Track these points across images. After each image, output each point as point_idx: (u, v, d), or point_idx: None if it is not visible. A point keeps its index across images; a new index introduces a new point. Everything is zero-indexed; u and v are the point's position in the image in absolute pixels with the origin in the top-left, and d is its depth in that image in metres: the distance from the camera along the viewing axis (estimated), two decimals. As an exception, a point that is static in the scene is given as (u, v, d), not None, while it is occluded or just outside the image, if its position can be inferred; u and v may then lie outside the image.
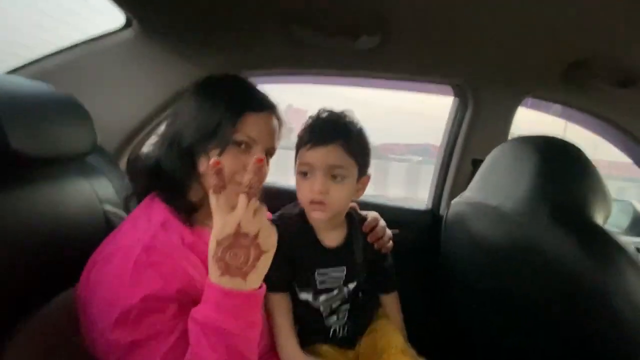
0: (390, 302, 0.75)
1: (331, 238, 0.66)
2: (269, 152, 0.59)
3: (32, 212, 0.54)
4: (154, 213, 0.53)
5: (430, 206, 1.22)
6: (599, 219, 0.58)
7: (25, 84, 0.54)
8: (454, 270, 0.86)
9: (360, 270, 0.68)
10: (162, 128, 0.60)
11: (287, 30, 0.78)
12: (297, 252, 0.63)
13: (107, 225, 0.67)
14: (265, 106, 0.57)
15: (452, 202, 0.91)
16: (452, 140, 1.12)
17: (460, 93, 1.07)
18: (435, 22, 0.73)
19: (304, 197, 0.60)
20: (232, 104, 0.54)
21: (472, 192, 0.83)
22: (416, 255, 1.10)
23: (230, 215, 0.43)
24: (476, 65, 0.94)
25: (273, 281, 0.52)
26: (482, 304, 0.74)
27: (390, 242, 0.74)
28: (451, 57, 0.91)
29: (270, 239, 0.45)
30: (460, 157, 1.10)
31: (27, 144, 0.48)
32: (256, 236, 0.43)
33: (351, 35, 0.78)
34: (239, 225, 0.42)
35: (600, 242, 0.52)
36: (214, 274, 0.43)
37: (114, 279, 0.45)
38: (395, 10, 0.70)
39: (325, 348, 0.66)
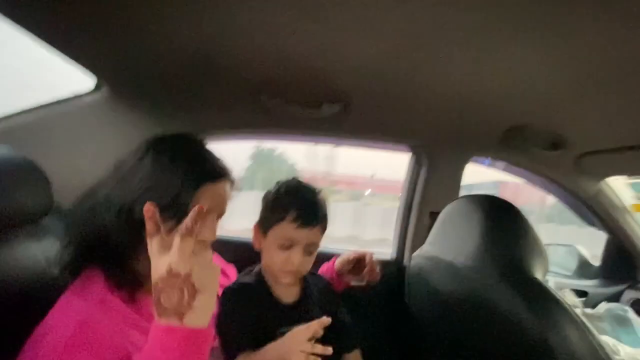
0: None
1: (288, 295, 0.68)
2: (220, 216, 0.58)
3: None
4: (90, 290, 0.50)
5: (394, 256, 1.25)
6: (538, 274, 0.63)
7: None
8: (418, 320, 0.88)
9: None
10: (102, 188, 0.55)
11: (257, 99, 0.84)
12: (258, 313, 0.63)
13: (55, 292, 0.63)
14: (221, 174, 0.56)
15: (413, 255, 0.95)
16: (411, 193, 1.20)
17: (415, 152, 1.18)
18: (389, 94, 0.83)
19: (278, 266, 0.64)
20: (190, 175, 0.52)
21: (429, 246, 0.88)
22: (382, 305, 1.11)
23: (162, 257, 0.43)
24: (427, 129, 1.05)
25: (237, 342, 0.58)
26: (444, 354, 0.75)
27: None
28: (405, 122, 1.01)
29: (206, 278, 0.44)
30: (419, 209, 1.17)
31: None
32: (188, 275, 0.42)
33: (314, 104, 0.85)
34: (169, 265, 0.42)
35: (542, 299, 0.57)
36: (156, 317, 0.43)
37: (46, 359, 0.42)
38: (353, 84, 0.79)
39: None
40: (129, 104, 0.82)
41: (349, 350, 0.75)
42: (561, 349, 0.52)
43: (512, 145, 1.08)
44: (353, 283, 0.84)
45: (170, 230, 0.50)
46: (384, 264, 1.23)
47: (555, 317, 0.55)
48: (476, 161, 1.24)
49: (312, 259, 0.67)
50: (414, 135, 1.09)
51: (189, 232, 0.43)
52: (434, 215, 1.13)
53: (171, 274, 0.42)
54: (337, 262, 0.83)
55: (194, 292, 0.42)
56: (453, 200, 0.84)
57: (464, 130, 1.03)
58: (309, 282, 0.73)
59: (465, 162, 1.17)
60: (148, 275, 0.53)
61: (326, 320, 0.58)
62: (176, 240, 0.43)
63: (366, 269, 0.76)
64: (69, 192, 0.61)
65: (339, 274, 0.83)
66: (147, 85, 0.78)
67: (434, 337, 0.79)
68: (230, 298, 0.64)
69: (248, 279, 0.69)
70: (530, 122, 0.95)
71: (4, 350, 0.49)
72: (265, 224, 0.66)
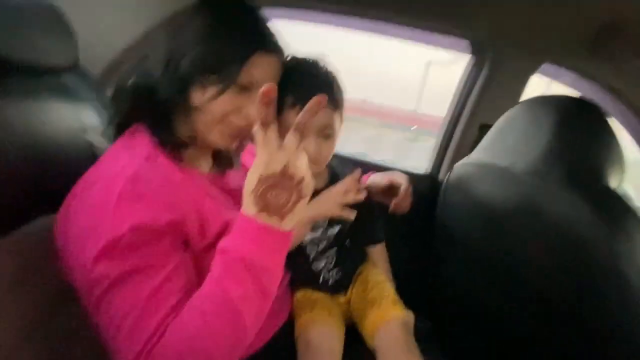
0: (378, 254, 0.76)
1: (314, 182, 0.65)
2: None
3: (9, 128, 0.49)
4: (137, 146, 0.49)
5: (429, 171, 1.19)
6: (613, 182, 0.55)
7: None
8: (452, 234, 0.84)
9: None
10: (153, 41, 0.52)
11: None
12: None
13: (92, 156, 0.62)
14: (276, 49, 0.52)
15: (456, 164, 0.87)
16: (462, 102, 1.06)
17: (477, 50, 1.00)
18: None
19: None
20: (244, 39, 0.48)
21: (479, 154, 0.80)
22: (411, 220, 1.09)
23: (279, 152, 0.40)
24: (499, 23, 0.88)
25: None
26: (481, 267, 0.73)
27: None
28: (475, 11, 0.85)
29: (309, 186, 0.42)
30: (468, 121, 1.05)
31: (3, 46, 0.44)
32: (301, 180, 0.41)
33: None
34: (286, 165, 0.40)
35: (615, 209, 0.50)
36: (251, 209, 0.41)
37: (97, 210, 0.41)
38: None
39: (317, 294, 0.65)
40: None
41: (375, 241, 0.75)
42: (632, 264, 0.47)
43: (600, 52, 0.89)
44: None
45: (216, 96, 0.48)
46: (417, 177, 1.19)
47: (628, 228, 0.49)
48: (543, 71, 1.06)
49: (333, 143, 0.61)
50: (482, 26, 0.91)
51: (306, 129, 0.41)
52: (484, 129, 1.02)
53: (286, 174, 0.40)
54: (369, 181, 0.75)
55: (299, 197, 0.41)
56: None
57: (544, 26, 0.85)
58: (337, 173, 0.70)
59: (533, 69, 0.99)
60: (190, 139, 0.52)
61: (357, 173, 0.58)
62: (294, 139, 0.40)
63: (397, 199, 0.65)
64: (89, 50, 0.59)
65: (369, 191, 0.77)
66: None
67: (472, 251, 0.76)
68: None
69: None
70: (630, 20, 0.76)
71: (36, 208, 0.50)
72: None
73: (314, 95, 0.54)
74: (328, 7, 0.95)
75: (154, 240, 0.42)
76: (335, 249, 0.68)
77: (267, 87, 0.37)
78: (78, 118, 0.62)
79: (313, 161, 0.58)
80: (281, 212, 0.41)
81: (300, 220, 0.45)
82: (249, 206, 0.41)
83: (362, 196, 0.59)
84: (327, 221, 0.66)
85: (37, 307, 0.48)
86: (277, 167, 0.39)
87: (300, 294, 0.66)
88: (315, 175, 0.63)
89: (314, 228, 0.66)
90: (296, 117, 0.52)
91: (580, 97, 0.63)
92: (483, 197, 0.72)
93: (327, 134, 0.59)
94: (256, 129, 0.41)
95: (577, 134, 0.59)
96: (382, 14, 0.94)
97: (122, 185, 0.42)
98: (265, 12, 0.54)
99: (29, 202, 0.50)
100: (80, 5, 0.69)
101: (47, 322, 0.48)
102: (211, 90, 0.48)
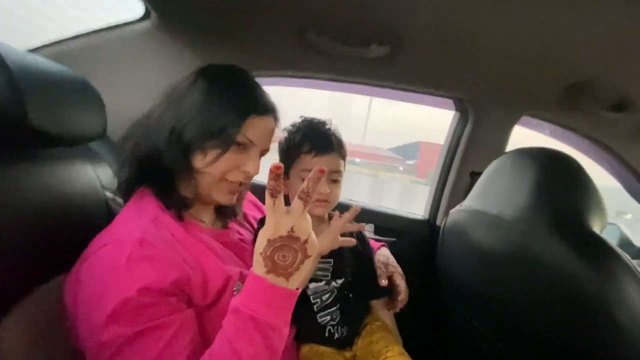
0: (381, 306, 0.76)
1: (317, 233, 0.68)
2: (263, 153, 0.59)
3: (38, 191, 0.53)
4: (144, 208, 0.53)
5: (427, 216, 1.23)
6: (596, 229, 0.60)
7: (46, 63, 0.54)
8: (450, 278, 0.87)
9: (346, 265, 0.70)
10: (155, 111, 0.56)
11: (302, 36, 0.80)
12: None
13: (108, 212, 0.67)
14: (268, 109, 0.57)
15: (451, 211, 0.92)
16: (451, 152, 1.15)
17: (461, 107, 1.11)
18: (444, 38, 0.77)
19: None
20: (239, 105, 0.53)
21: (471, 202, 0.85)
22: (412, 264, 1.11)
23: (285, 217, 0.44)
24: (479, 82, 0.98)
25: None
26: (479, 312, 0.75)
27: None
28: (456, 72, 0.94)
29: (315, 246, 0.46)
30: (459, 169, 1.13)
31: (44, 122, 0.49)
32: (306, 241, 0.44)
33: (363, 43, 0.81)
34: (292, 228, 0.43)
35: (601, 252, 0.54)
36: (260, 270, 0.44)
37: (106, 272, 0.44)
38: (406, 23, 0.73)
39: (322, 348, 0.66)
40: (176, 33, 0.81)
41: (378, 295, 0.76)
42: (620, 305, 0.49)
43: (571, 104, 0.99)
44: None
45: (216, 159, 0.53)
46: (416, 222, 1.23)
47: (614, 270, 0.52)
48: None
49: (339, 188, 0.68)
50: (464, 86, 1.02)
51: (309, 196, 0.45)
52: (474, 176, 1.10)
53: (292, 236, 0.44)
54: (378, 255, 0.78)
55: (305, 256, 0.45)
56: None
57: (519, 84, 0.95)
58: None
59: (514, 121, 1.09)
60: (193, 198, 0.57)
61: (357, 208, 0.63)
62: (299, 204, 0.44)
63: (395, 302, 0.71)
64: (111, 117, 0.63)
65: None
66: (194, 14, 0.77)
67: (469, 293, 0.78)
68: None
69: None
70: (595, 78, 0.86)
71: (56, 263, 0.52)
72: (284, 168, 0.66)
73: (326, 143, 0.66)
74: (313, 74, 1.05)
75: (161, 300, 0.44)
76: (339, 304, 0.69)
77: (276, 164, 0.43)
78: (98, 177, 0.67)
79: (325, 203, 0.66)
80: (287, 272, 0.44)
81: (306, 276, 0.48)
82: (258, 267, 0.44)
83: (360, 227, 0.64)
84: (330, 272, 0.68)
85: None
86: (284, 230, 0.43)
87: (306, 348, 0.66)
88: (318, 223, 0.68)
89: (317, 279, 0.67)
90: (311, 160, 0.63)
91: (555, 149, 0.70)
92: (478, 242, 0.76)
93: (335, 179, 0.67)
94: (267, 199, 0.44)
95: (557, 183, 0.64)
96: (368, 79, 1.05)
97: (131, 248, 0.45)
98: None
99: (46, 261, 0.53)
100: (106, 81, 0.76)
101: None
102: (211, 154, 0.52)
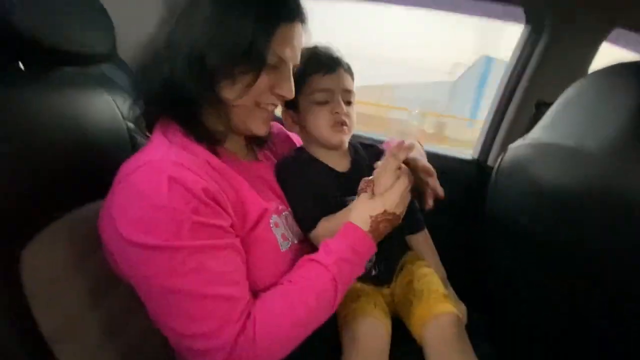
0: (421, 242, 0.71)
1: (341, 165, 0.65)
2: (294, 68, 0.51)
3: (56, 116, 0.50)
4: (173, 136, 0.47)
5: (476, 156, 1.10)
6: None
7: None
8: (507, 222, 0.77)
9: None
10: (160, 33, 0.46)
11: None
12: (315, 182, 0.61)
13: (131, 142, 0.64)
14: (297, 12, 0.47)
15: (510, 146, 0.79)
16: (515, 78, 0.96)
17: (534, 19, 0.89)
18: None
19: (325, 122, 0.60)
20: (264, 13, 0.43)
21: (538, 133, 0.71)
22: (457, 207, 1.02)
23: (403, 197, 0.52)
24: None
25: (311, 214, 0.58)
26: (545, 258, 0.66)
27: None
28: None
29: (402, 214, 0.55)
30: (522, 98, 0.95)
31: (35, 28, 0.43)
32: (400, 214, 0.54)
33: None
34: (385, 206, 0.51)
35: None
36: (365, 226, 0.51)
37: (149, 193, 0.39)
38: None
39: (359, 285, 0.62)
40: None
41: (414, 231, 0.71)
42: None
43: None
44: None
45: (248, 87, 0.45)
46: (463, 162, 1.11)
47: None
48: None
49: (354, 111, 0.63)
50: None
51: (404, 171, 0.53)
52: (542, 106, 0.92)
53: (387, 212, 0.51)
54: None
55: (397, 223, 0.54)
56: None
57: None
58: (360, 154, 0.67)
59: (602, 37, 0.87)
60: (223, 132, 0.49)
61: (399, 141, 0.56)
62: (395, 182, 0.52)
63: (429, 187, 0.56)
64: (124, 41, 0.58)
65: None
66: None
67: (532, 240, 0.69)
68: (289, 172, 0.61)
69: (298, 155, 0.65)
70: None
71: (81, 194, 0.51)
72: (293, 100, 0.57)
73: (334, 60, 0.60)
74: None
75: (213, 217, 0.41)
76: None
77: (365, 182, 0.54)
78: (117, 106, 0.64)
79: (346, 127, 0.60)
80: (380, 236, 0.52)
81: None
82: (364, 224, 0.51)
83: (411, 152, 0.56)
84: None
85: (95, 284, 0.50)
86: (379, 208, 0.51)
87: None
88: (339, 155, 0.64)
89: None
90: (322, 79, 0.58)
91: None
92: (545, 180, 0.64)
93: (349, 99, 0.61)
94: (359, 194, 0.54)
95: None
96: None
97: (170, 169, 0.40)
98: None
99: (76, 187, 0.51)
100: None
101: (104, 298, 0.51)
102: (241, 82, 0.45)
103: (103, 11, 0.56)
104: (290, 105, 0.61)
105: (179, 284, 0.39)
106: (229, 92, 0.46)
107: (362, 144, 0.70)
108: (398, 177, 0.52)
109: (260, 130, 0.51)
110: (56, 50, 0.46)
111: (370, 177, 0.54)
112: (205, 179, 0.42)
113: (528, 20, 0.90)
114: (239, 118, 0.49)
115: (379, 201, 0.51)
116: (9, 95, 0.45)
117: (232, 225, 0.44)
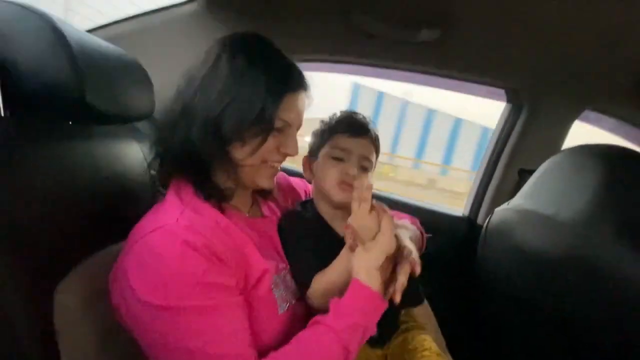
0: (421, 315, 0.72)
1: (342, 228, 0.63)
2: (298, 128, 0.56)
3: (91, 166, 0.56)
4: (184, 196, 0.50)
5: (467, 214, 1.17)
6: None
7: (102, 44, 0.55)
8: (493, 280, 0.82)
9: None
10: (178, 100, 0.51)
11: (347, 18, 0.77)
12: (316, 243, 0.61)
13: (152, 188, 0.68)
14: (301, 84, 0.53)
15: (496, 209, 0.87)
16: (499, 147, 1.07)
17: (514, 98, 1.03)
18: (498, 22, 0.70)
19: (334, 179, 0.61)
20: (272, 83, 0.49)
21: (521, 200, 0.79)
22: (449, 263, 1.06)
23: (393, 236, 0.49)
24: (537, 70, 0.90)
25: (307, 271, 0.56)
26: (526, 316, 0.70)
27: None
28: (511, 59, 0.86)
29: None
30: (506, 165, 1.05)
31: (99, 100, 0.50)
32: (394, 254, 0.50)
33: (412, 26, 0.76)
34: (384, 253, 0.48)
35: None
36: (375, 283, 0.48)
37: (163, 255, 0.42)
38: (458, 5, 0.68)
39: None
40: (221, 15, 0.81)
41: (414, 304, 0.71)
42: None
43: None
44: None
45: (256, 148, 0.50)
46: (455, 219, 1.17)
47: None
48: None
49: (366, 179, 0.63)
50: (520, 74, 0.94)
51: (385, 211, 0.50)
52: (524, 174, 1.02)
53: (386, 258, 0.49)
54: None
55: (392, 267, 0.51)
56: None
57: (584, 73, 0.86)
58: None
59: (576, 115, 0.99)
60: (232, 189, 0.53)
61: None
62: (376, 221, 0.49)
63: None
64: (161, 102, 0.62)
65: None
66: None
67: (516, 298, 0.73)
68: (291, 232, 0.62)
69: (303, 211, 0.66)
70: None
71: (107, 235, 0.55)
72: (315, 149, 0.64)
73: (363, 127, 0.64)
74: (363, 60, 1.00)
75: (220, 279, 0.44)
76: None
77: (348, 227, 0.50)
78: (144, 154, 0.70)
79: (350, 182, 0.60)
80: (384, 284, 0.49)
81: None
82: (375, 281, 0.47)
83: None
84: None
85: (105, 327, 0.51)
86: (380, 258, 0.48)
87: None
88: (342, 218, 0.61)
89: None
90: (345, 139, 0.62)
91: (625, 147, 0.62)
92: (527, 243, 0.71)
93: (365, 166, 0.63)
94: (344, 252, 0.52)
95: (626, 184, 0.58)
96: (419, 66, 0.99)
97: (184, 234, 0.43)
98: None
99: (105, 228, 0.55)
100: (154, 62, 0.77)
101: (113, 345, 0.52)
102: (251, 144, 0.49)
103: (146, 76, 0.63)
104: (313, 154, 0.66)
105: (186, 344, 0.41)
106: (239, 153, 0.50)
107: None
108: (379, 216, 0.49)
109: (266, 184, 0.55)
110: (106, 115, 0.53)
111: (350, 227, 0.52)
112: (215, 242, 0.45)
113: (509, 100, 1.04)
114: (247, 175, 0.53)
115: (375, 249, 0.48)
116: (56, 147, 0.51)
117: (236, 284, 0.47)
